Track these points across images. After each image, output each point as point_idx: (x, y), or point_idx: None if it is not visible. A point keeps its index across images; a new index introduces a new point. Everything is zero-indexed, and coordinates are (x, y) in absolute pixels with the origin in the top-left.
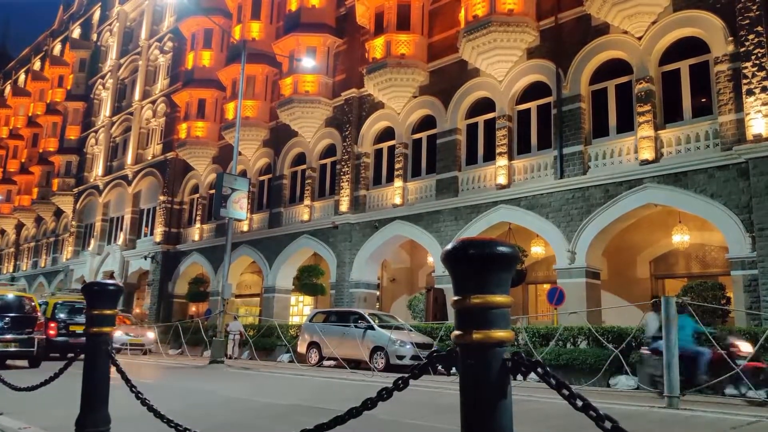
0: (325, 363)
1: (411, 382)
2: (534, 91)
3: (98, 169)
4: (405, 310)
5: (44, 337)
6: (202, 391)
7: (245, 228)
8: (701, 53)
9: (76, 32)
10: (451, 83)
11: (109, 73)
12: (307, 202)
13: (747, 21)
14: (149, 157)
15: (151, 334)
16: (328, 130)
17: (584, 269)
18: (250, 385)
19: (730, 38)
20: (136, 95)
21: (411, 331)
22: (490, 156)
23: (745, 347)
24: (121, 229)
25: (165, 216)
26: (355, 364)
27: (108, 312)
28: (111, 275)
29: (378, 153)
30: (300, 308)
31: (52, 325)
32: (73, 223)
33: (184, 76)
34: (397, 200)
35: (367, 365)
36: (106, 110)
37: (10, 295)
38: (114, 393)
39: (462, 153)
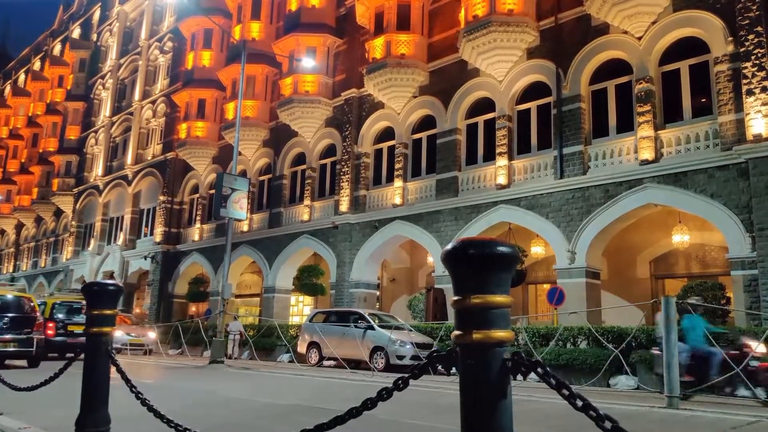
0: (325, 363)
1: (411, 382)
2: (534, 91)
3: (98, 169)
4: (405, 310)
5: (43, 337)
6: (202, 391)
7: (245, 228)
8: (701, 53)
9: (76, 32)
10: (451, 83)
11: (109, 73)
12: (307, 202)
13: (747, 21)
14: (149, 157)
15: (152, 334)
16: (328, 130)
17: (584, 269)
18: (250, 385)
19: (730, 38)
20: (136, 95)
21: (411, 331)
22: (490, 156)
23: (760, 348)
24: (121, 229)
25: (165, 216)
26: (355, 364)
27: (108, 312)
28: (111, 275)
29: (378, 153)
30: (300, 308)
31: (50, 325)
32: (73, 223)
33: (184, 76)
34: (397, 200)
35: (367, 365)
36: (106, 110)
37: (9, 296)
38: (114, 393)
39: (462, 153)
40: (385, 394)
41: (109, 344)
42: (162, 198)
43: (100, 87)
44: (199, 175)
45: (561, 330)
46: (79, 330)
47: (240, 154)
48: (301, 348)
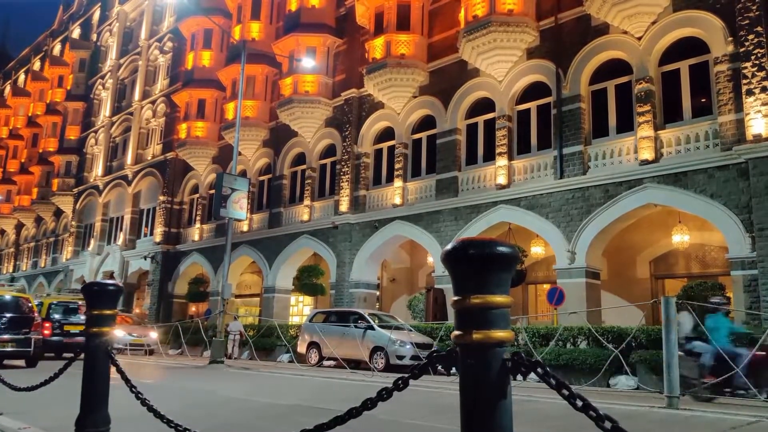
0: (325, 363)
1: (411, 382)
2: (534, 91)
3: (98, 169)
4: (405, 310)
5: (41, 337)
6: (202, 391)
7: (245, 228)
8: (701, 53)
9: (76, 32)
10: (451, 83)
11: (109, 73)
12: (307, 202)
13: (747, 21)
14: (149, 157)
15: (153, 334)
16: (328, 130)
17: (584, 269)
18: (250, 385)
19: (730, 38)
20: (136, 95)
21: (411, 331)
22: (490, 156)
23: None
24: (121, 229)
25: (165, 216)
26: (355, 364)
27: (108, 312)
28: (111, 275)
29: (378, 153)
30: (300, 308)
31: (47, 325)
32: (73, 223)
33: (184, 76)
34: (397, 200)
35: (367, 365)
36: (105, 110)
37: (8, 296)
38: (114, 393)
39: (462, 153)
40: (385, 394)
41: (109, 344)
42: (162, 198)
43: (100, 87)
44: (199, 175)
45: (561, 330)
46: (75, 330)
47: (240, 154)
48: (301, 348)
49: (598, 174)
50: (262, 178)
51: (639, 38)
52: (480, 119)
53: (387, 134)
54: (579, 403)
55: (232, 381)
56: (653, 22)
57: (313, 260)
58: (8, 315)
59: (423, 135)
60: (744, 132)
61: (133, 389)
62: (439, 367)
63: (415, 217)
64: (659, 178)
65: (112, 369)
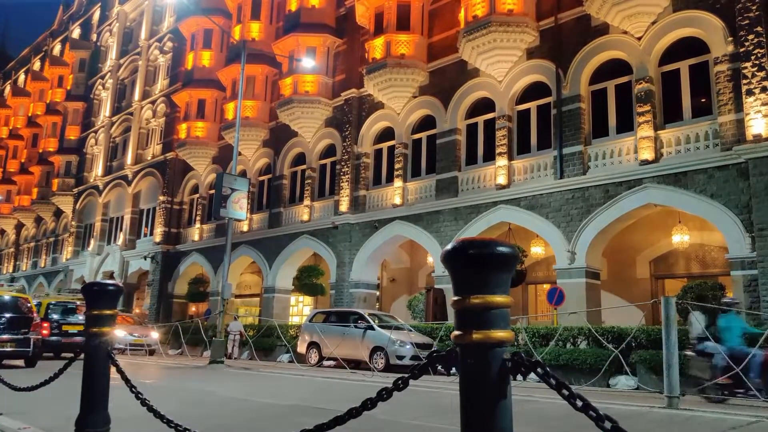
0: (325, 363)
1: (411, 382)
2: (534, 91)
3: (98, 169)
4: (405, 310)
5: (40, 337)
6: (201, 391)
7: (245, 228)
8: (701, 53)
9: (76, 32)
10: (451, 83)
11: (109, 74)
12: (306, 202)
13: (747, 21)
14: (149, 158)
15: (154, 334)
16: (327, 130)
17: (584, 269)
18: (250, 386)
19: (730, 38)
20: (136, 95)
21: (411, 331)
22: (489, 156)
23: None
24: (121, 230)
25: (165, 216)
26: (355, 364)
27: (108, 312)
28: (111, 275)
29: (378, 153)
30: (300, 308)
31: (45, 324)
32: (73, 223)
33: (183, 77)
34: (397, 200)
35: (367, 365)
36: (105, 110)
37: (7, 296)
38: (114, 393)
39: (462, 153)
40: (384, 394)
41: (110, 344)
42: (162, 198)
43: (100, 87)
44: (199, 175)
45: (561, 330)
46: (73, 330)
47: (240, 154)
48: (301, 348)
49: (598, 174)
50: (262, 178)
51: (639, 38)
52: (480, 119)
53: (387, 134)
54: (579, 403)
55: (232, 381)
56: (653, 22)
57: (313, 260)
58: (7, 315)
59: (423, 135)
60: (744, 132)
61: (133, 389)
62: (439, 367)
63: (415, 217)
64: (659, 178)
65: (112, 369)
